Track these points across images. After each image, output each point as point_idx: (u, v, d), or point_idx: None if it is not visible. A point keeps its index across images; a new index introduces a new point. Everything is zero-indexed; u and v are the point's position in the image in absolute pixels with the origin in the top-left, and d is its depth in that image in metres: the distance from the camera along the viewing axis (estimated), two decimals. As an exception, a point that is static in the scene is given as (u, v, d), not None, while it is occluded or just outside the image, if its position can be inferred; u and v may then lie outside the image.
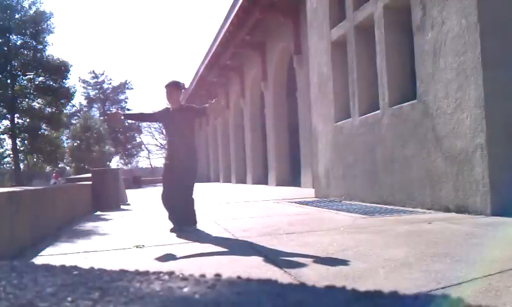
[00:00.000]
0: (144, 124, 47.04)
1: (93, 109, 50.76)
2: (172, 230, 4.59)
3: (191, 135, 4.80)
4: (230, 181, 22.30)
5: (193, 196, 4.70)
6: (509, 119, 4.48)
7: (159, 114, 5.01)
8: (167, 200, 4.70)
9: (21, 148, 28.65)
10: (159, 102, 77.99)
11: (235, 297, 0.54)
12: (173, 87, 4.72)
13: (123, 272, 0.65)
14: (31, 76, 28.00)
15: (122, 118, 5.40)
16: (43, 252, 3.69)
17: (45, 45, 28.17)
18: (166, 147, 5.07)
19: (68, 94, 29.53)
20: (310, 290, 0.58)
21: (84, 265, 0.71)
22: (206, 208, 7.38)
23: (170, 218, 4.68)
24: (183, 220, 4.66)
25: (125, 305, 0.51)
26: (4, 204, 3.58)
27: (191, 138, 4.81)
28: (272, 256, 3.02)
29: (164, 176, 4.76)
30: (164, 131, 5.07)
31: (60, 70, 27.83)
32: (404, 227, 4.12)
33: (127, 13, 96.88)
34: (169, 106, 4.85)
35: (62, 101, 29.15)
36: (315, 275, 2.44)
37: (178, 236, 4.32)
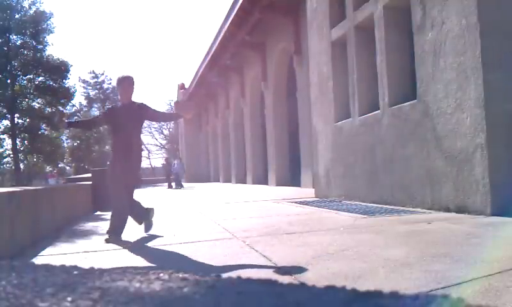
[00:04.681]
0: (144, 124, 46.97)
1: (93, 109, 50.72)
2: (145, 227, 4.60)
3: (136, 134, 4.52)
4: (230, 181, 22.29)
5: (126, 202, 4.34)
6: (509, 119, 4.48)
7: (105, 116, 4.72)
8: (123, 202, 4.35)
9: (21, 148, 28.67)
10: (158, 102, 77.78)
11: (235, 297, 0.54)
12: (128, 83, 4.49)
13: (123, 272, 0.65)
14: (31, 76, 28.03)
15: (66, 126, 4.97)
16: (43, 252, 3.69)
17: (45, 45, 28.25)
18: (111, 145, 4.76)
19: (68, 94, 29.58)
20: (310, 290, 0.58)
21: (84, 265, 0.71)
22: (206, 208, 7.38)
23: (132, 217, 4.52)
24: (143, 214, 4.60)
25: (125, 305, 0.51)
26: (4, 204, 3.58)
27: (136, 138, 4.55)
28: (273, 256, 3.02)
29: (111, 178, 4.37)
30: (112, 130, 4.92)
31: (60, 69, 27.90)
32: (404, 227, 4.12)
33: (127, 13, 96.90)
34: (115, 104, 4.70)
35: (62, 101, 29.19)
36: (315, 275, 2.44)
37: (176, 236, 4.32)
